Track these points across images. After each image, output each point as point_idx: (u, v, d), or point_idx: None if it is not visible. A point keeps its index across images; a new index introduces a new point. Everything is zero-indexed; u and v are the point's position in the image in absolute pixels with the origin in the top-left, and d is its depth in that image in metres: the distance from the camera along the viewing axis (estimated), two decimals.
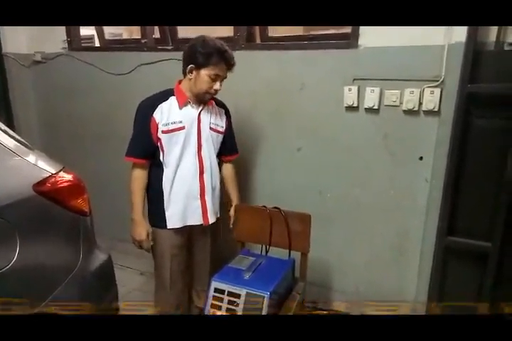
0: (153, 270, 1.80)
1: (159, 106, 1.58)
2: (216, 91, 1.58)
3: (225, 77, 1.59)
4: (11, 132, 1.26)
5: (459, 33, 1.61)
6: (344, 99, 1.94)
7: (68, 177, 1.28)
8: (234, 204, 1.84)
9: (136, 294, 2.29)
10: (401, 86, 1.82)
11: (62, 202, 1.22)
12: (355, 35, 1.84)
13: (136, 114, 1.63)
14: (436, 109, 1.77)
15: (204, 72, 1.53)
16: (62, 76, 2.74)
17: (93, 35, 2.94)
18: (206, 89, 1.56)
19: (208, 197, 1.70)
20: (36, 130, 2.96)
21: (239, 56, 2.12)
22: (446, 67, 1.71)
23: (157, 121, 1.57)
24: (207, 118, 1.65)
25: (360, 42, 1.85)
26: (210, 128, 1.66)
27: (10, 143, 1.18)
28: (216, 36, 2.25)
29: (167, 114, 1.58)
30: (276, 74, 2.09)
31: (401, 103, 1.84)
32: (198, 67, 1.53)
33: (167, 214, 1.65)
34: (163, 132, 1.58)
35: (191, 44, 1.55)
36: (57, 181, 1.23)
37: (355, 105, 1.92)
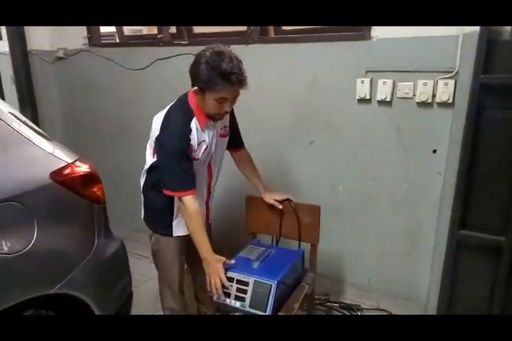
0: (158, 275, 1.77)
1: (191, 130, 1.45)
2: (226, 112, 1.45)
3: (237, 95, 1.42)
4: (30, 123, 1.32)
5: None
6: (356, 92, 1.93)
7: (84, 166, 1.34)
8: (262, 194, 1.76)
9: (153, 282, 2.35)
10: (414, 78, 1.80)
11: (77, 190, 1.28)
12: (367, 27, 1.84)
13: (172, 142, 1.42)
14: (450, 101, 1.75)
15: (209, 96, 1.37)
16: (83, 71, 2.84)
17: (114, 32, 3.02)
18: (215, 112, 1.44)
19: (211, 201, 1.70)
20: (59, 124, 3.08)
21: (252, 50, 2.16)
22: (460, 58, 1.69)
23: (192, 147, 1.46)
24: (219, 128, 1.57)
25: (372, 33, 1.84)
26: (220, 135, 1.59)
27: (29, 133, 1.24)
28: (229, 30, 2.31)
29: (195, 138, 1.46)
30: (289, 67, 2.10)
31: (414, 95, 1.83)
32: (202, 90, 1.38)
33: (174, 222, 1.61)
34: (195, 159, 1.49)
35: (194, 62, 1.37)
36: (73, 170, 1.28)
37: (368, 97, 1.92)
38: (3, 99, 2.66)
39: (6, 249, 1.08)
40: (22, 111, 2.84)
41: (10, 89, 2.85)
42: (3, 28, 2.78)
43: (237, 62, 1.34)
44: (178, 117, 1.45)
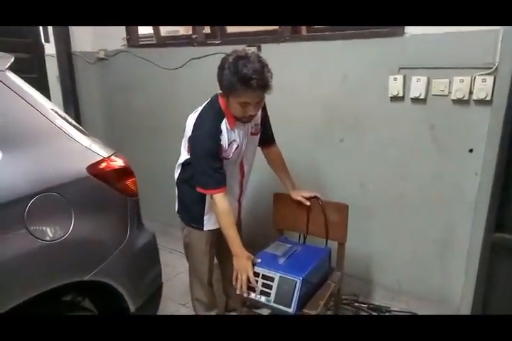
0: (189, 267, 1.85)
1: (222, 130, 1.50)
2: (252, 115, 1.48)
3: (261, 99, 1.46)
4: (70, 119, 1.41)
5: None
6: (389, 89, 1.90)
7: (119, 161, 1.40)
8: (290, 191, 1.78)
9: (184, 275, 2.41)
10: (450, 74, 1.75)
11: (112, 183, 1.34)
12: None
13: (203, 143, 1.48)
14: (488, 98, 1.68)
15: (232, 100, 1.42)
16: (122, 71, 2.96)
17: (151, 33, 3.12)
18: (239, 116, 1.48)
19: (243, 199, 1.74)
20: (99, 121, 3.22)
21: (283, 48, 2.17)
22: (501, 53, 1.62)
23: (223, 147, 1.52)
24: (249, 126, 1.60)
25: (406, 29, 1.80)
26: (251, 134, 1.62)
27: (69, 129, 1.32)
28: (261, 29, 2.33)
29: (225, 138, 1.51)
30: (320, 65, 2.09)
31: (450, 92, 1.77)
32: (226, 93, 1.43)
33: (205, 217, 1.67)
34: (226, 159, 1.55)
35: (219, 66, 1.42)
36: (109, 164, 1.35)
37: (401, 95, 1.88)
38: (49, 98, 2.83)
39: (47, 237, 1.16)
40: (65, 109, 3.01)
41: (56, 88, 3.02)
42: (51, 32, 2.96)
43: (259, 66, 1.35)
44: (210, 118, 1.51)
